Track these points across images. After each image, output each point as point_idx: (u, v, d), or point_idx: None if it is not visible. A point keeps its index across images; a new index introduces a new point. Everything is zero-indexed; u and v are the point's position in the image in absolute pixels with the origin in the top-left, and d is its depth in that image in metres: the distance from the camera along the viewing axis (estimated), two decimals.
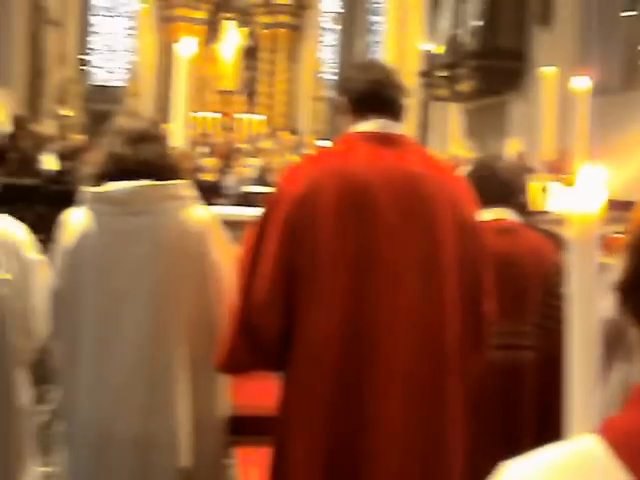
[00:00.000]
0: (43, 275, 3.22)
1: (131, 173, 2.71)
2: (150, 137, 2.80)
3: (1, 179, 3.47)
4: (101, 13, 33.01)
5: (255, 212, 3.68)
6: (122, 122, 2.89)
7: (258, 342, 2.55)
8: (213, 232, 2.79)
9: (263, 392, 3.05)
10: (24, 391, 3.28)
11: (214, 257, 2.76)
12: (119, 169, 2.72)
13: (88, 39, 32.07)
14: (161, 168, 2.75)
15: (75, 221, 2.76)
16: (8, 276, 3.12)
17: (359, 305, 2.50)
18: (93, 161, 9.60)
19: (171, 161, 2.82)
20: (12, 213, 3.34)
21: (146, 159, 2.73)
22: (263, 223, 2.57)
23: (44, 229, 3.44)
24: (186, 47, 5.27)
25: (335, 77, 26.86)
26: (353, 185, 2.52)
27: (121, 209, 2.69)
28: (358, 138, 2.64)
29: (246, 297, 2.53)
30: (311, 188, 2.51)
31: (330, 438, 2.50)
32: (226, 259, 2.75)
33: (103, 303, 2.70)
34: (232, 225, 2.95)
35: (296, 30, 25.13)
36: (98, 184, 2.75)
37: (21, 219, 3.36)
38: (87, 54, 31.22)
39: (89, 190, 2.75)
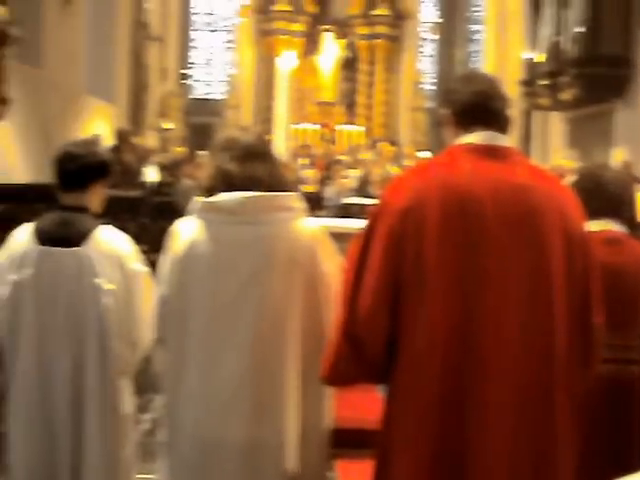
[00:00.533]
0: (147, 286, 3.26)
1: (239, 188, 2.73)
2: (258, 154, 2.82)
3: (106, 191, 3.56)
4: (201, 28, 33.56)
5: (358, 224, 3.67)
6: (229, 137, 2.90)
7: (362, 354, 2.52)
8: (322, 243, 2.79)
9: (365, 405, 3.03)
10: (127, 399, 3.33)
11: (323, 267, 2.76)
12: (227, 185, 2.75)
13: (188, 54, 32.64)
14: (269, 184, 2.76)
15: (185, 230, 2.79)
16: (113, 287, 3.18)
17: (465, 318, 2.45)
18: (196, 174, 9.74)
19: (279, 176, 2.83)
20: (116, 224, 3.41)
21: (254, 176, 2.75)
22: (368, 235, 2.54)
23: (147, 240, 3.50)
24: (287, 61, 5.29)
25: (434, 87, 26.78)
26: (459, 197, 2.48)
27: (232, 219, 2.71)
28: (463, 150, 2.60)
29: (351, 309, 2.51)
30: (416, 200, 2.48)
31: (435, 454, 2.45)
32: (334, 270, 2.75)
33: (213, 311, 2.71)
34: (335, 237, 2.94)
35: (395, 41, 25.10)
36: (206, 196, 2.78)
37: (124, 230, 3.42)
38: (187, 68, 31.75)
39: (200, 200, 2.78)
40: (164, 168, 15.07)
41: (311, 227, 2.79)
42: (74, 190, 3.34)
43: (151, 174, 13.24)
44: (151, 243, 3.48)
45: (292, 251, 2.72)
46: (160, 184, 13.01)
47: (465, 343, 2.45)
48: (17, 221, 9.34)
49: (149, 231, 10.59)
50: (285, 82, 5.93)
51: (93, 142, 3.59)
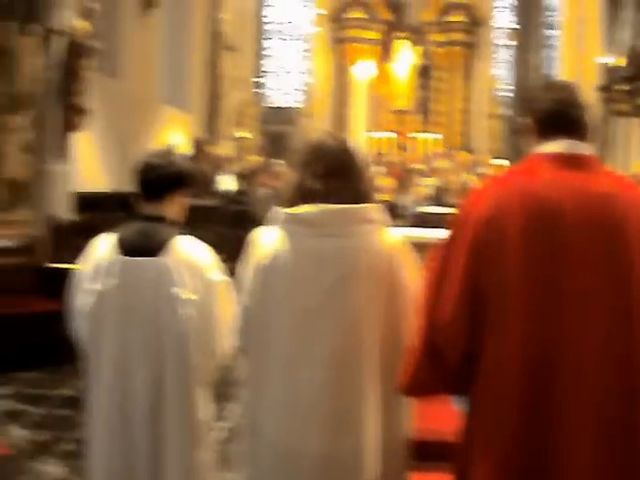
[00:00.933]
0: (226, 295, 3.28)
1: (321, 201, 2.73)
2: (343, 167, 2.79)
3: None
4: (275, 37, 33.79)
5: (437, 234, 3.63)
6: (313, 145, 2.86)
7: (442, 364, 2.50)
8: (403, 255, 2.77)
9: (444, 416, 3.00)
10: (206, 408, 3.36)
11: (404, 280, 2.74)
12: (309, 197, 2.74)
13: (263, 62, 32.87)
14: (352, 196, 2.75)
15: (267, 241, 2.79)
16: (192, 296, 3.20)
17: (545, 330, 2.41)
18: (272, 183, 9.81)
19: (362, 187, 2.82)
20: (192, 233, 3.43)
21: (337, 189, 2.74)
22: (449, 244, 2.52)
23: (223, 249, 3.52)
24: (364, 69, 5.28)
25: (510, 94, 26.52)
26: (541, 206, 2.44)
27: (314, 231, 2.71)
28: (544, 159, 2.56)
29: (431, 319, 2.49)
30: (498, 209, 2.46)
31: (514, 468, 2.42)
32: (415, 282, 2.73)
33: (294, 322, 2.71)
34: (415, 247, 2.91)
35: (470, 47, 24.92)
36: (287, 207, 2.78)
37: (201, 239, 3.45)
38: (262, 77, 31.98)
39: (282, 211, 2.79)
40: (240, 177, 15.22)
41: (392, 239, 2.77)
42: (154, 200, 3.37)
43: (227, 183, 13.36)
44: (228, 252, 3.49)
45: (373, 263, 2.71)
46: (236, 193, 13.14)
47: (545, 358, 2.41)
48: (97, 230, 9.50)
49: (225, 240, 10.70)
50: (362, 90, 5.92)
51: (172, 152, 3.61)
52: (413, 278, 2.75)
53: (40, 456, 5.55)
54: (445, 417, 3.10)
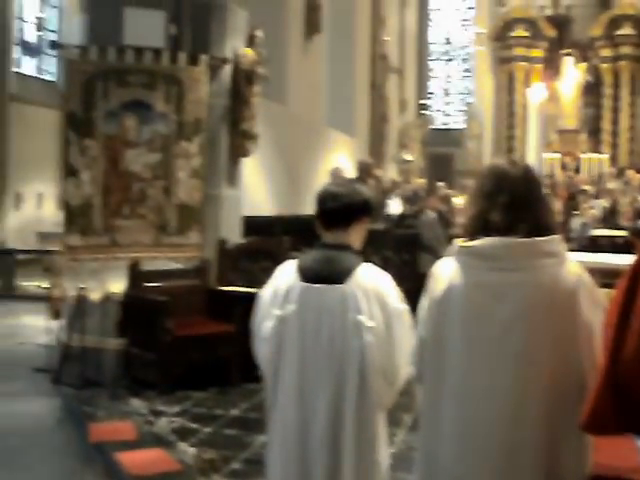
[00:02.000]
0: (406, 323, 3.27)
1: (502, 234, 2.66)
2: (527, 200, 2.70)
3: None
4: (438, 58, 33.74)
5: (612, 259, 3.49)
6: (495, 174, 2.77)
7: (626, 403, 2.38)
8: (585, 289, 2.65)
9: (622, 452, 2.87)
10: (383, 433, 3.35)
11: (586, 316, 2.62)
12: (490, 230, 2.68)
13: (427, 84, 32.87)
14: (534, 228, 2.67)
15: (444, 273, 2.75)
16: (372, 324, 3.20)
17: None
18: (439, 206, 9.72)
19: (544, 219, 2.72)
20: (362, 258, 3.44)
21: (519, 222, 2.65)
22: (633, 275, 2.40)
23: (391, 273, 3.49)
24: (535, 91, 5.17)
25: None
26: None
27: (492, 264, 2.65)
28: None
29: (614, 355, 2.37)
30: None
31: None
32: (598, 317, 2.61)
33: (470, 355, 2.66)
34: (592, 273, 2.78)
35: (639, 61, 24.05)
36: (466, 237, 2.73)
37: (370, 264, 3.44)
38: (426, 98, 31.96)
39: (459, 243, 2.74)
40: (404, 200, 15.20)
41: (574, 273, 2.66)
42: (337, 228, 3.38)
43: (393, 206, 13.37)
44: (395, 276, 3.47)
45: (555, 298, 2.61)
46: (401, 216, 13.11)
47: None
48: (262, 253, 9.69)
49: (393, 264, 10.70)
50: (534, 112, 5.80)
51: (353, 181, 3.64)
52: (596, 313, 2.63)
53: (208, 474, 5.65)
54: (623, 453, 2.97)
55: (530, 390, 2.60)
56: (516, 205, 2.67)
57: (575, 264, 2.70)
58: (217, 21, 9.03)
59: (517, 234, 2.64)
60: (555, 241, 2.67)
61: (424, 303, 2.83)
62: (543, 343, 2.59)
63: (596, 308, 2.63)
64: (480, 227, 2.69)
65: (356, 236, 3.43)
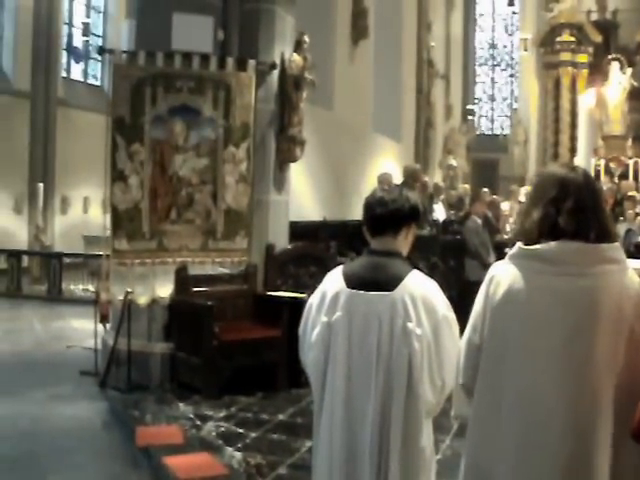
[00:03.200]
0: (454, 331, 3.23)
1: (564, 239, 2.62)
2: (589, 206, 2.66)
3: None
4: (484, 63, 33.61)
5: None
6: (559, 180, 2.71)
7: None
8: None
9: None
10: (429, 441, 3.32)
11: None
12: (553, 235, 2.64)
13: (473, 89, 32.75)
14: (596, 235, 2.62)
15: (503, 277, 2.71)
16: (419, 331, 3.17)
17: None
18: (485, 212, 9.60)
19: (605, 225, 2.67)
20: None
21: (582, 228, 2.61)
22: None
23: (437, 279, 3.46)
24: (585, 98, 5.16)
25: None
26: None
27: (554, 269, 2.60)
28: None
29: None
30: None
31: None
32: None
33: (530, 364, 2.60)
34: None
35: None
36: (526, 242, 2.68)
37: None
38: (472, 104, 31.84)
39: (519, 246, 2.70)
40: (450, 205, 15.12)
41: (636, 280, 2.63)
42: (385, 235, 3.36)
43: (439, 212, 13.31)
44: (440, 282, 3.43)
45: (618, 306, 2.57)
46: (449, 222, 13.04)
47: None
48: (310, 258, 9.68)
49: (439, 270, 10.64)
50: (584, 119, 5.75)
51: (401, 187, 3.60)
52: None
53: (254, 479, 5.65)
54: None
55: (597, 401, 2.55)
56: (582, 210, 2.64)
57: (634, 271, 2.66)
58: (265, 26, 9.04)
59: (586, 239, 2.60)
60: (617, 248, 2.64)
61: (478, 308, 2.78)
62: (609, 352, 2.55)
63: None
64: (547, 232, 2.64)
65: (404, 242, 3.40)
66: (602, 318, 2.55)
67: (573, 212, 2.63)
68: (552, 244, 2.61)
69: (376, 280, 3.26)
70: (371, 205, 3.38)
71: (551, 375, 2.58)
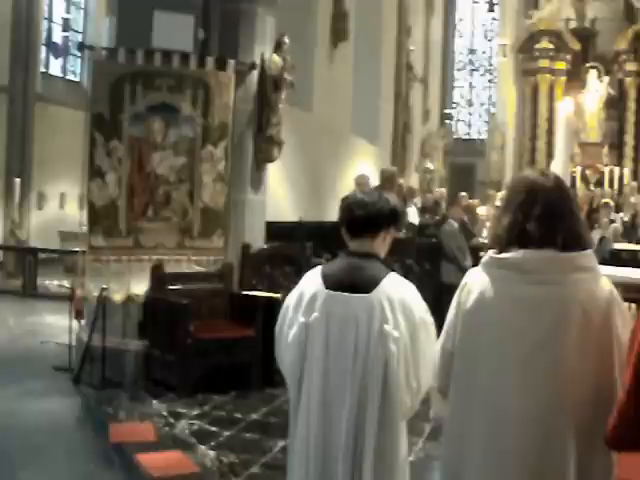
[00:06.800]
0: (431, 334, 3.25)
1: (535, 246, 2.63)
2: (560, 212, 2.66)
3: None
4: (462, 68, 33.74)
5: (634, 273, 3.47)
6: (528, 185, 2.72)
7: None
8: (617, 306, 2.63)
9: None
10: (404, 443, 3.34)
11: (618, 331, 2.59)
12: (523, 242, 2.65)
13: (450, 94, 32.86)
14: (566, 242, 2.65)
15: (475, 283, 2.73)
16: (396, 334, 3.19)
17: None
18: (462, 216, 9.67)
19: (577, 233, 2.69)
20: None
21: (552, 235, 2.63)
22: None
23: (412, 282, 3.48)
24: (565, 106, 5.24)
25: None
26: None
27: (524, 278, 2.62)
28: None
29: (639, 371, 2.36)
30: None
31: None
32: (626, 332, 2.59)
33: (501, 371, 2.63)
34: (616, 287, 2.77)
35: None
36: (498, 248, 2.71)
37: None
38: (450, 108, 31.94)
39: (490, 254, 2.72)
40: (427, 209, 15.18)
41: (606, 289, 2.64)
42: (364, 237, 3.37)
43: (412, 215, 13.35)
44: (416, 285, 3.46)
45: (589, 314, 2.58)
46: (424, 225, 13.09)
47: None
48: (286, 258, 9.70)
49: (414, 273, 10.69)
50: (562, 125, 5.82)
51: (380, 190, 3.63)
52: (626, 329, 2.60)
53: (227, 478, 5.66)
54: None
55: (562, 407, 2.58)
56: (551, 216, 2.65)
57: (606, 279, 2.68)
58: (245, 27, 9.06)
59: (553, 245, 2.62)
60: (589, 256, 2.65)
61: (451, 315, 2.80)
62: (577, 359, 2.57)
63: (626, 325, 2.61)
64: (515, 238, 2.66)
65: (382, 245, 3.42)
66: (571, 326, 2.57)
67: (541, 218, 2.65)
68: (522, 252, 2.62)
69: (354, 282, 3.27)
70: (351, 207, 3.39)
71: (518, 381, 2.60)
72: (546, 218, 2.65)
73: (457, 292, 2.79)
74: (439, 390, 2.89)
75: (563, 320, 2.58)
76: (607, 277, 2.71)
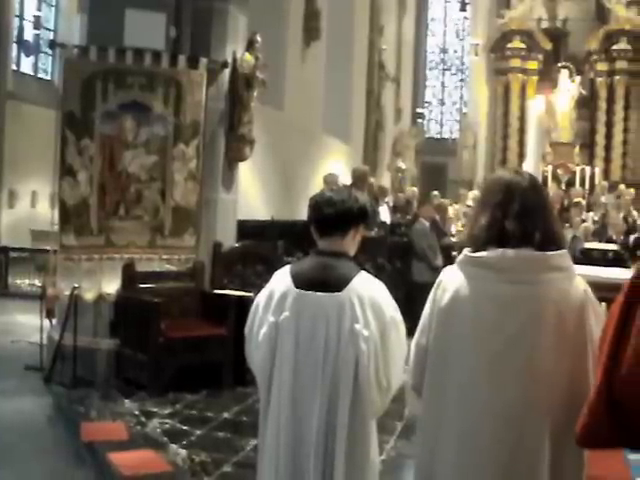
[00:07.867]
0: (401, 333, 3.27)
1: (511, 245, 2.66)
2: (535, 210, 2.70)
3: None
4: (434, 67, 33.87)
5: (606, 273, 3.52)
6: (503, 184, 2.75)
7: (622, 419, 2.37)
8: (591, 305, 2.66)
9: (613, 465, 2.88)
10: (375, 442, 3.36)
11: (592, 330, 2.62)
12: (499, 241, 2.67)
13: (422, 93, 32.97)
14: (542, 241, 2.67)
15: (450, 281, 2.75)
16: (366, 332, 3.20)
17: None
18: (433, 215, 9.72)
19: (552, 232, 2.72)
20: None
21: (528, 234, 2.66)
22: (630, 293, 2.41)
23: (383, 280, 3.49)
24: (536, 105, 5.28)
25: None
26: None
27: (499, 276, 2.64)
28: None
29: (610, 371, 2.36)
30: None
31: None
32: (598, 332, 2.61)
33: (473, 370, 2.66)
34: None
35: (636, 77, 24.02)
36: (474, 247, 2.73)
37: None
38: (422, 107, 32.05)
39: (466, 253, 2.74)
40: (398, 208, 15.22)
41: (580, 288, 2.67)
42: (333, 235, 3.37)
43: (383, 214, 13.39)
44: (387, 284, 3.47)
45: (562, 313, 2.61)
46: (395, 224, 13.14)
47: None
48: (257, 257, 9.70)
49: (385, 271, 10.73)
50: (532, 125, 5.88)
51: (349, 188, 3.62)
52: (598, 328, 2.61)
53: (199, 476, 5.67)
54: (614, 466, 2.99)
55: (536, 406, 2.61)
56: (528, 214, 2.68)
57: (581, 278, 2.71)
58: (217, 25, 9.05)
59: (531, 243, 2.65)
60: (564, 255, 2.68)
61: (425, 313, 2.82)
62: (549, 358, 2.60)
63: (598, 323, 2.63)
64: (493, 237, 2.69)
65: (352, 243, 3.41)
66: (544, 325, 2.60)
67: (519, 216, 2.67)
68: (498, 251, 2.65)
69: (324, 281, 3.27)
70: (319, 205, 3.38)
71: (491, 379, 2.63)
72: (524, 216, 2.68)
73: (432, 290, 2.81)
74: (413, 388, 2.90)
75: (537, 319, 2.61)
76: (581, 276, 2.74)
